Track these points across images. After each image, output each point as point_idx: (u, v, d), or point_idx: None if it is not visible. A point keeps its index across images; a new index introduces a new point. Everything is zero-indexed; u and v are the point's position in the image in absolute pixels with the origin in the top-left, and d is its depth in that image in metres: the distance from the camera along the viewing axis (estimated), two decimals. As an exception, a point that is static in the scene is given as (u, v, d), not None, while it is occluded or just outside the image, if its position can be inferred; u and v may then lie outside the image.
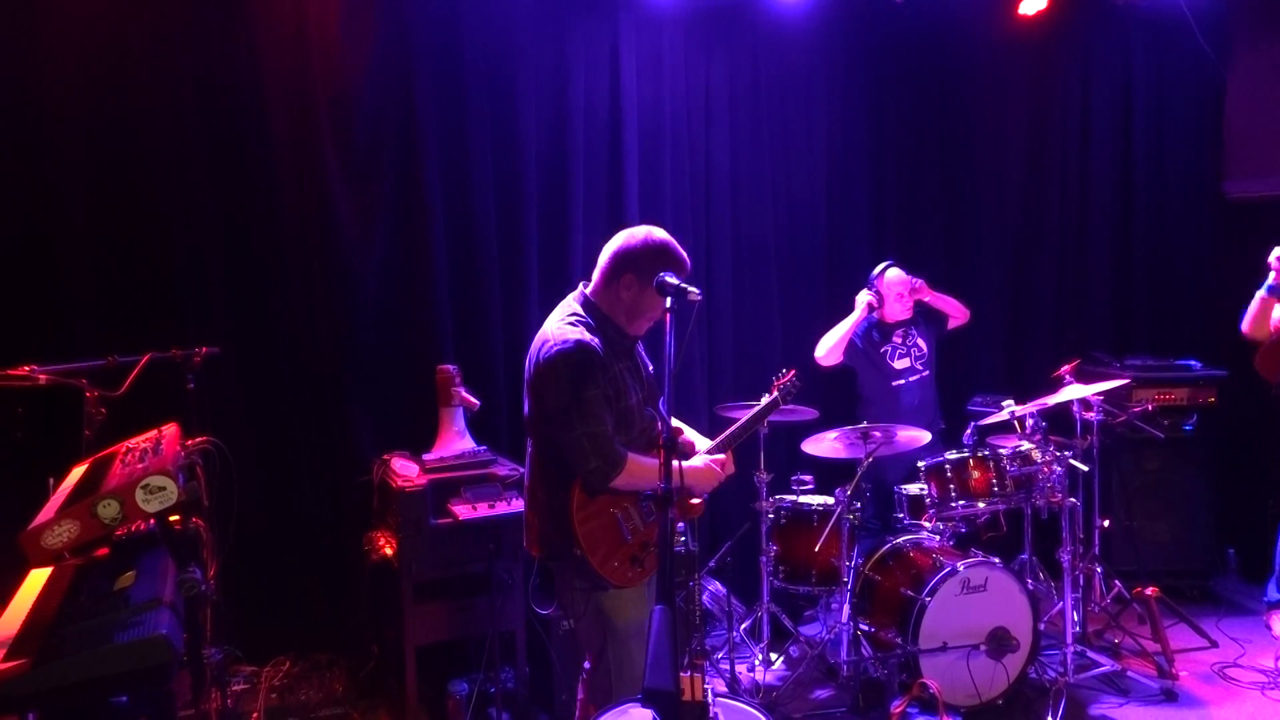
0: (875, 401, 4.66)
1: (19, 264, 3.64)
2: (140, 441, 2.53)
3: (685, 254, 2.64)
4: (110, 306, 3.76)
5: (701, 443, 2.92)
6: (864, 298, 4.64)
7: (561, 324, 2.61)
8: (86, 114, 3.70)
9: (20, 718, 2.31)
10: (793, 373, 3.21)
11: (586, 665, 2.81)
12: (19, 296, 3.64)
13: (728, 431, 2.94)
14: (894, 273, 4.67)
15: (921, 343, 4.74)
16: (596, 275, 2.69)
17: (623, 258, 2.62)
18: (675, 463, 2.60)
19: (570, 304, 2.70)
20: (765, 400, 3.13)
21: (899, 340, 4.70)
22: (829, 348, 4.61)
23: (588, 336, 2.56)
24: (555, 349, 2.53)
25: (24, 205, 3.64)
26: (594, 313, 2.65)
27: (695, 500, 2.78)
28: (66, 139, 3.67)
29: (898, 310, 4.67)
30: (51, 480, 2.68)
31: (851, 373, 4.78)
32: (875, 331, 4.73)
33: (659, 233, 2.66)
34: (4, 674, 1.87)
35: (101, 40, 3.70)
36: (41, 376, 2.70)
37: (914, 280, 4.66)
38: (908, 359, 4.69)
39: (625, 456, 2.53)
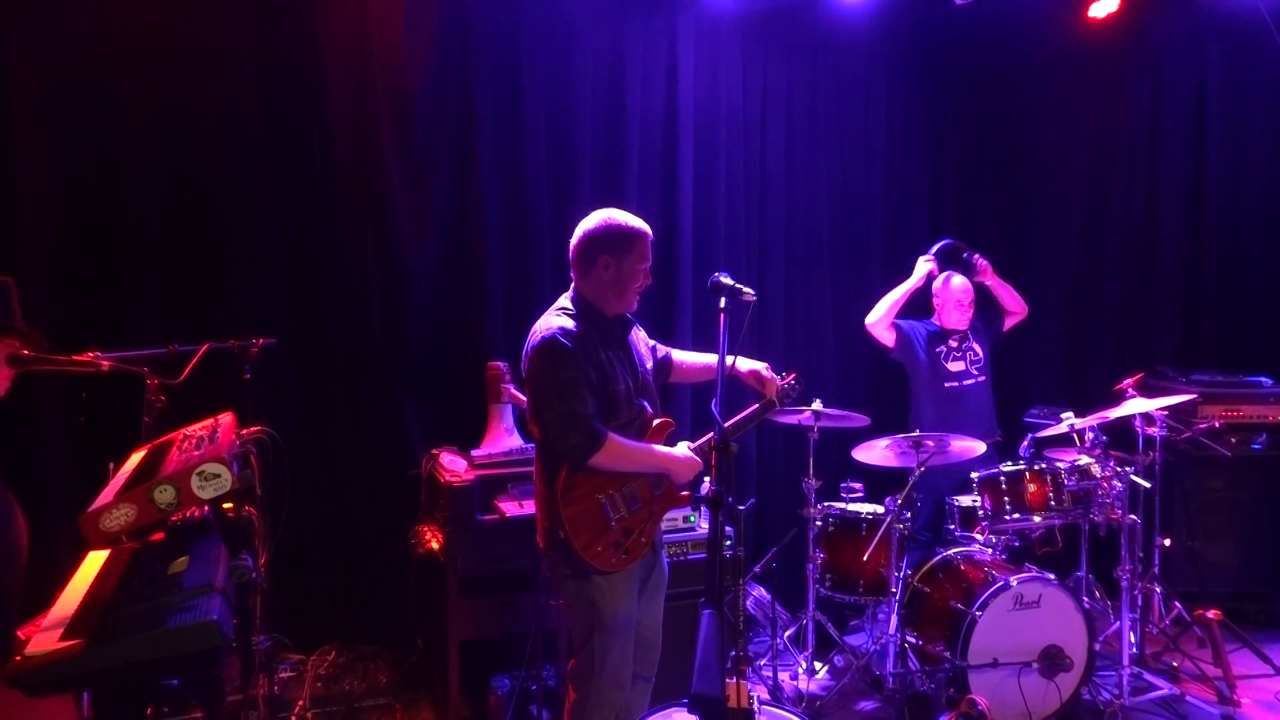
0: (927, 403, 4.56)
1: (88, 254, 3.74)
2: (197, 429, 2.58)
3: (641, 223, 2.80)
4: (172, 297, 3.84)
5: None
6: (924, 266, 4.53)
7: (548, 316, 2.79)
8: (154, 109, 3.79)
9: (75, 696, 2.36)
10: (793, 376, 3.17)
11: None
12: (87, 286, 3.73)
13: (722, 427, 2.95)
14: (959, 280, 4.56)
15: (978, 348, 4.64)
16: (573, 271, 2.83)
17: (591, 243, 2.77)
18: (659, 448, 2.68)
19: (560, 299, 2.86)
20: (758, 404, 3.10)
21: (955, 344, 4.61)
22: (881, 314, 4.54)
23: (570, 324, 2.72)
24: (540, 337, 2.71)
25: (94, 198, 3.74)
26: (580, 303, 2.80)
27: (683, 494, 2.85)
28: (135, 134, 3.76)
29: (956, 319, 4.58)
30: (111, 465, 2.74)
31: (902, 374, 4.70)
32: (932, 333, 4.63)
33: (614, 212, 2.82)
34: (60, 653, 1.91)
35: (169, 39, 3.78)
36: (104, 363, 2.75)
37: (980, 260, 4.55)
38: (963, 363, 4.59)
39: (605, 434, 2.63)
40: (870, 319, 4.58)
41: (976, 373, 4.61)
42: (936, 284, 4.64)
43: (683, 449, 2.86)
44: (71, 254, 3.71)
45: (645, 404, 2.88)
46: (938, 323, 4.66)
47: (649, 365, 2.95)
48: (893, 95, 5.11)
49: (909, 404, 4.70)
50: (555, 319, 2.75)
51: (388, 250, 4.11)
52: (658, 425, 2.85)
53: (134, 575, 2.31)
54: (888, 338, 4.60)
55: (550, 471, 2.72)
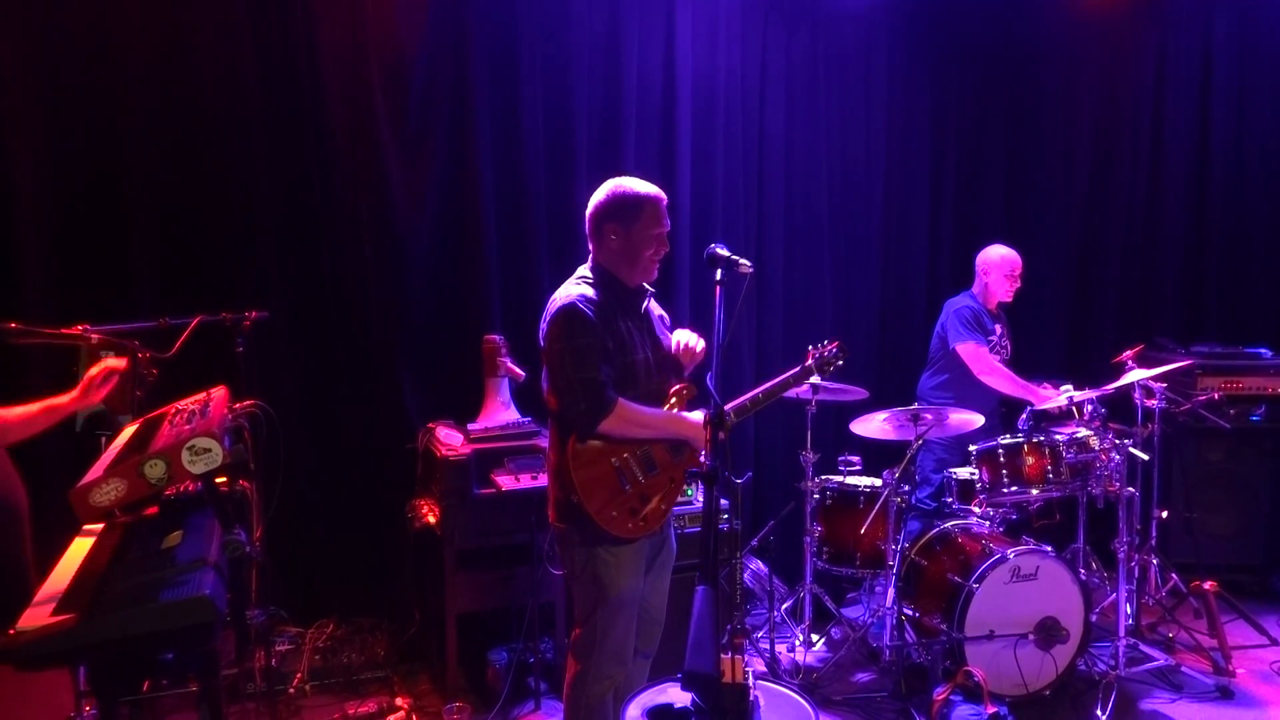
0: (960, 382, 4.46)
1: (81, 226, 3.70)
2: (189, 403, 2.55)
3: (651, 188, 2.76)
4: (167, 270, 3.81)
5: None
6: (1061, 399, 4.14)
7: (568, 284, 2.76)
8: (148, 80, 3.74)
9: (70, 670, 2.36)
10: (836, 344, 3.12)
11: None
12: (81, 258, 3.70)
13: (750, 395, 2.90)
14: (1010, 250, 4.46)
15: (1008, 343, 4.59)
16: (589, 242, 2.82)
17: (598, 214, 2.75)
18: (674, 413, 2.65)
19: (581, 269, 2.83)
20: (797, 368, 3.05)
21: (997, 335, 4.52)
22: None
23: (590, 293, 2.69)
24: (558, 306, 2.67)
25: (87, 169, 3.70)
26: (599, 272, 2.77)
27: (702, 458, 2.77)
28: (129, 107, 3.71)
29: (1005, 289, 4.48)
30: (103, 439, 2.72)
31: (904, 349, 4.66)
32: (989, 316, 4.53)
33: (622, 180, 2.79)
34: (53, 627, 1.91)
35: (165, 9, 3.73)
36: (94, 336, 2.73)
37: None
38: (1000, 355, 4.52)
39: (614, 401, 2.60)
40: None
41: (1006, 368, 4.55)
42: (982, 261, 4.50)
43: (699, 415, 2.77)
44: (65, 226, 3.68)
45: (668, 376, 2.82)
46: (982, 302, 4.53)
47: (668, 338, 2.89)
48: (894, 66, 5.04)
49: (939, 375, 4.57)
50: (575, 287, 2.72)
51: (382, 222, 4.07)
52: (676, 390, 2.79)
53: (127, 550, 2.30)
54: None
55: (562, 440, 2.68)
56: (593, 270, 2.78)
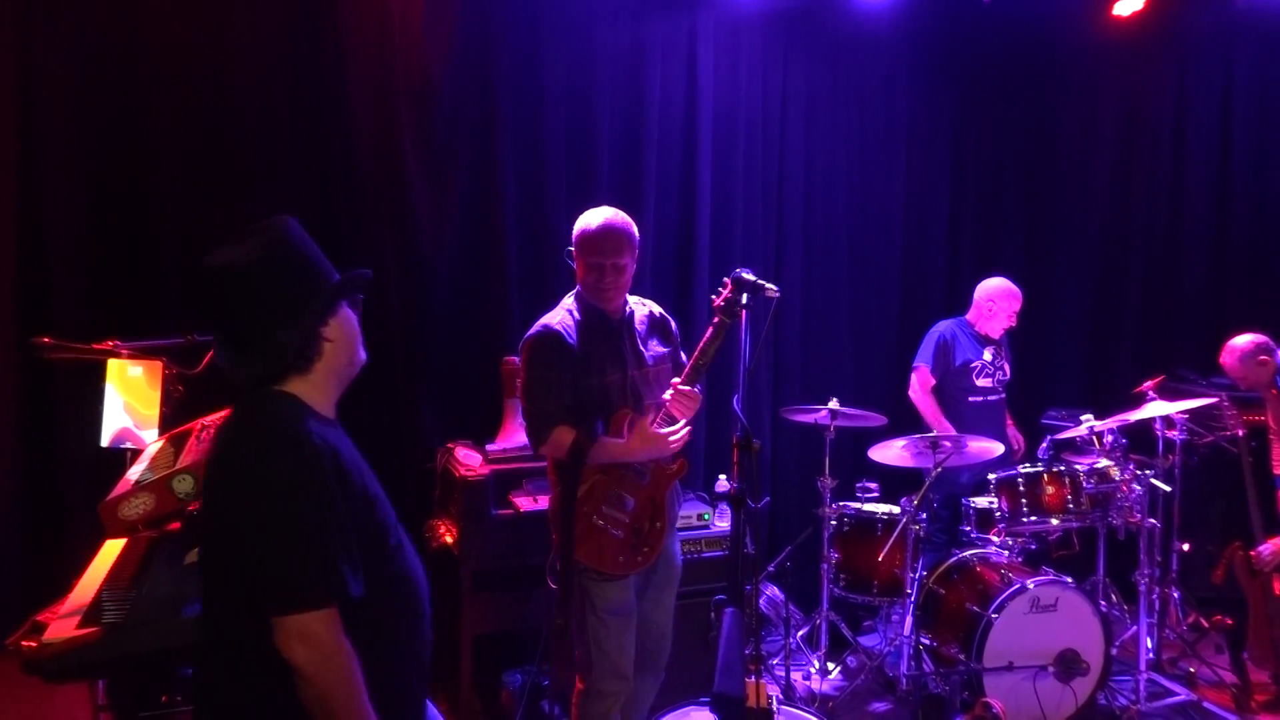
0: (946, 409, 4.54)
1: (113, 243, 3.76)
2: (215, 419, 2.58)
3: (600, 218, 2.82)
4: (193, 287, 3.84)
5: None
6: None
7: (549, 313, 2.90)
8: (179, 101, 3.80)
9: (91, 683, 2.38)
10: (729, 287, 2.94)
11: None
12: (110, 274, 3.75)
13: (689, 364, 2.85)
14: (1012, 287, 4.53)
15: (1008, 366, 4.60)
16: None
17: (574, 246, 2.88)
18: (611, 441, 2.71)
19: (568, 295, 2.97)
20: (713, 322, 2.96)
21: (990, 358, 4.54)
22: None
23: (554, 321, 2.81)
24: (524, 337, 2.84)
25: (120, 189, 3.76)
26: (578, 298, 2.91)
27: (673, 466, 2.85)
28: (160, 127, 3.77)
29: (998, 327, 4.54)
30: (129, 453, 2.75)
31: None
32: (974, 340, 4.57)
33: (589, 211, 2.89)
34: (77, 640, 1.92)
35: (196, 33, 3.79)
36: (123, 352, 2.77)
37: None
38: (990, 380, 4.54)
39: (549, 432, 2.72)
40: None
41: (1001, 391, 4.57)
42: (989, 289, 4.55)
43: (643, 428, 2.76)
44: (96, 243, 3.73)
45: (655, 393, 2.86)
46: (975, 327, 4.58)
47: (663, 352, 2.97)
48: (914, 97, 5.07)
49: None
50: (547, 316, 2.87)
51: (407, 245, 4.11)
52: (616, 417, 2.84)
53: (151, 564, 2.32)
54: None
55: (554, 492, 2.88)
56: (576, 297, 2.93)
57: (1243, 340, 4.14)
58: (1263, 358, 4.09)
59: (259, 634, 1.49)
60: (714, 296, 2.86)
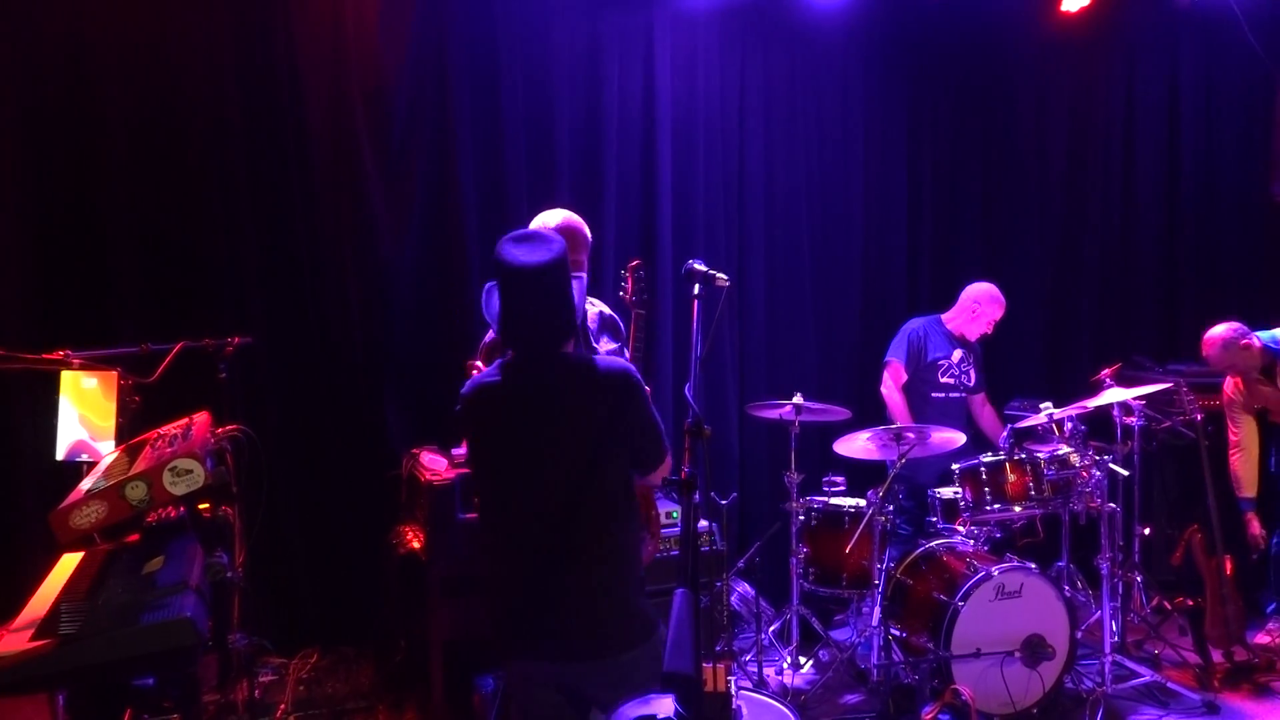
0: (909, 402, 4.58)
1: (64, 252, 3.71)
2: (171, 428, 2.55)
3: (537, 222, 2.88)
4: (149, 296, 3.81)
5: None
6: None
7: None
8: (129, 105, 3.76)
9: (49, 696, 2.33)
10: (630, 279, 3.04)
11: None
12: (62, 283, 3.70)
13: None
14: (999, 295, 4.60)
15: (973, 373, 4.65)
16: None
17: None
18: None
19: None
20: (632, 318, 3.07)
21: (958, 360, 4.60)
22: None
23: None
24: (481, 344, 3.00)
25: (70, 196, 3.71)
26: None
27: None
28: (110, 133, 3.73)
29: (976, 331, 4.61)
30: (85, 467, 2.71)
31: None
32: (946, 339, 4.62)
33: (542, 216, 2.97)
34: (30, 653, 1.89)
35: (144, 35, 3.76)
36: (75, 361, 2.73)
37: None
38: (953, 379, 4.59)
39: None
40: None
41: (959, 394, 4.63)
42: (976, 291, 4.61)
43: None
44: (48, 252, 3.68)
45: None
46: (952, 328, 4.64)
47: (614, 348, 3.07)
48: (870, 89, 5.12)
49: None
50: None
51: (366, 248, 4.09)
52: None
53: (108, 575, 2.28)
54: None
55: None
56: None
57: (1220, 330, 4.23)
58: (1245, 341, 4.19)
59: (628, 484, 2.22)
60: (620, 292, 3.01)
